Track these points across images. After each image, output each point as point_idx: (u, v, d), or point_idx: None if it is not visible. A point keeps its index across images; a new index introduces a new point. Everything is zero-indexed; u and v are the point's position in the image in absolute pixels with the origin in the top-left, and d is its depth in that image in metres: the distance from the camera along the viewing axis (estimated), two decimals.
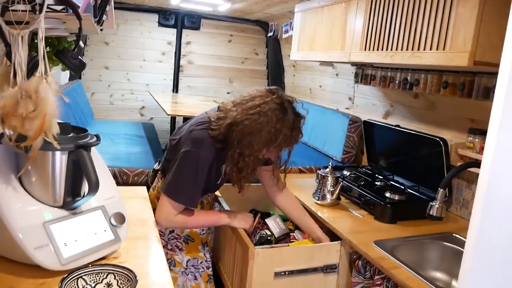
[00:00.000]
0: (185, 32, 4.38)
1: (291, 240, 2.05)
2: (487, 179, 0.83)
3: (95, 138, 1.13)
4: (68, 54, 1.05)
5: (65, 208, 1.07)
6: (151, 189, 1.75)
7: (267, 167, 1.71)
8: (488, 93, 1.70)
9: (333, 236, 1.74)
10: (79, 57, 1.07)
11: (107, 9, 1.40)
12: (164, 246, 1.64)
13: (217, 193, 1.97)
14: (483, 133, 1.75)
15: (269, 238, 2.01)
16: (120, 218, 1.18)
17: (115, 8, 1.93)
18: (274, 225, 2.07)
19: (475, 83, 1.76)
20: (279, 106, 1.45)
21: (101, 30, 1.94)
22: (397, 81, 2.24)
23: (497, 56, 1.42)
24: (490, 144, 0.81)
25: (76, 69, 1.09)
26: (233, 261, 1.72)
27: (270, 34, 4.23)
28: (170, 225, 1.57)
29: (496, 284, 0.88)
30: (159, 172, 1.72)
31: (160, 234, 1.53)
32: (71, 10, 1.03)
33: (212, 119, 1.53)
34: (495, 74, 1.66)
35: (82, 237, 1.07)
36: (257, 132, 1.42)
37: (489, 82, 1.70)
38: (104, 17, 1.41)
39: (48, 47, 1.24)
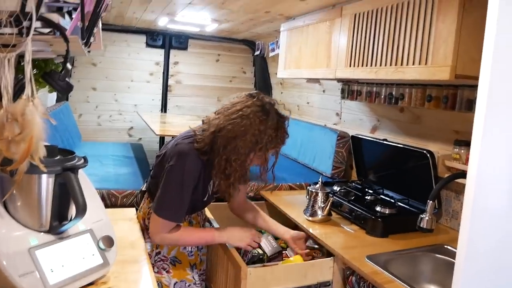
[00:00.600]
0: (172, 52, 4.41)
1: (283, 258, 2.03)
2: (473, 190, 0.84)
3: (82, 160, 1.12)
4: (55, 76, 1.05)
5: (51, 233, 1.05)
6: (138, 211, 1.74)
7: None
8: (471, 105, 1.73)
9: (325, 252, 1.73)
10: (66, 79, 1.07)
11: (94, 31, 1.41)
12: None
13: (208, 213, 1.96)
14: (468, 144, 1.77)
15: (261, 257, 1.99)
16: (109, 242, 1.16)
17: (102, 29, 1.94)
18: (266, 244, 2.05)
19: (458, 96, 1.79)
20: (260, 108, 1.47)
21: (89, 51, 1.95)
22: (382, 96, 2.28)
23: (477, 69, 1.45)
24: (474, 155, 0.83)
25: (63, 91, 1.08)
26: (226, 281, 1.70)
27: (257, 52, 4.28)
28: (163, 242, 1.57)
29: None
30: (146, 192, 1.71)
31: None
32: (58, 33, 1.03)
33: (197, 132, 1.54)
34: (476, 87, 1.69)
35: (69, 262, 1.05)
36: (242, 136, 1.43)
37: (471, 95, 1.73)
38: (92, 39, 1.42)
39: (35, 69, 1.24)
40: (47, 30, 1.01)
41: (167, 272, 1.64)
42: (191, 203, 1.54)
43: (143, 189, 1.76)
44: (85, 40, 1.29)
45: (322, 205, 1.97)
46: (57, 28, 1.03)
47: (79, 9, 1.15)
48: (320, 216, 1.97)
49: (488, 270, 0.88)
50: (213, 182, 1.59)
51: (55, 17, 1.06)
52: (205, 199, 1.64)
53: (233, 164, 1.45)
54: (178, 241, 1.56)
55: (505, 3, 0.76)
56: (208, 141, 1.47)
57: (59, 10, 1.14)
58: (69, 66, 1.09)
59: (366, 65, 1.87)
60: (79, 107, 4.14)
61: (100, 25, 1.67)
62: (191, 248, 1.69)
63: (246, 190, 1.84)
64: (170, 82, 4.47)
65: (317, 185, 2.05)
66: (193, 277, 1.69)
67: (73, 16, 1.21)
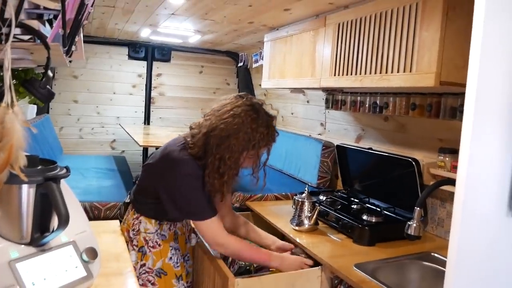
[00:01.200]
0: (155, 64, 4.39)
1: (270, 269, 2.00)
2: (463, 194, 0.84)
3: (64, 170, 1.09)
4: (35, 83, 1.02)
5: (33, 245, 1.01)
6: (122, 223, 1.70)
7: None
8: (454, 113, 1.75)
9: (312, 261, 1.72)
10: (48, 86, 1.04)
11: (76, 39, 1.39)
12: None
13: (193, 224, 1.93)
14: (452, 151, 1.79)
15: (248, 268, 1.96)
16: (92, 253, 1.13)
17: (84, 41, 1.92)
18: None
19: (442, 104, 1.82)
20: (250, 107, 1.50)
21: (70, 62, 1.91)
22: (367, 105, 2.29)
23: (461, 76, 1.48)
24: (463, 160, 0.83)
25: (45, 99, 1.05)
26: None
27: (240, 64, 4.29)
28: (224, 248, 1.55)
29: None
30: (130, 204, 1.68)
31: None
32: (38, 40, 1.01)
33: (188, 139, 1.55)
34: (459, 95, 1.72)
35: (51, 275, 1.01)
36: (235, 134, 1.45)
37: (454, 102, 1.76)
38: (73, 47, 1.39)
39: (14, 80, 1.20)
40: (27, 37, 0.99)
41: (153, 284, 1.59)
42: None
43: (127, 201, 1.72)
44: (66, 48, 1.27)
45: (309, 214, 1.96)
46: (38, 35, 1.01)
47: (60, 16, 1.12)
48: (307, 226, 1.96)
49: (480, 275, 0.88)
50: (205, 183, 1.57)
51: (35, 23, 1.03)
52: None
53: (227, 162, 1.47)
54: (240, 251, 1.57)
55: (491, 9, 0.78)
56: (200, 144, 1.49)
57: (39, 18, 1.12)
58: (50, 73, 1.06)
59: (351, 74, 1.88)
60: (60, 120, 4.07)
61: (81, 34, 1.65)
62: (177, 259, 1.66)
63: (231, 200, 1.83)
64: (153, 94, 4.44)
65: (304, 195, 2.04)
66: None
67: (54, 24, 1.18)
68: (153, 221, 1.61)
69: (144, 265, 1.60)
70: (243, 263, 1.95)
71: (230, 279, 1.47)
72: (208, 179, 1.50)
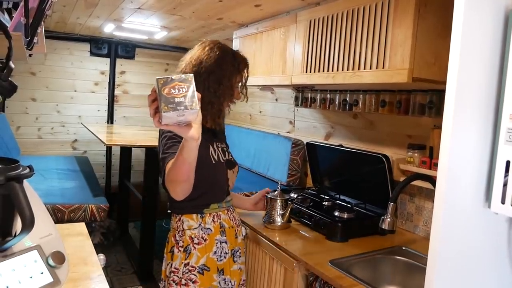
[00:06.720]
0: (119, 61, 4.26)
1: None
2: (443, 190, 0.84)
3: (28, 170, 1.01)
4: None
5: None
6: (168, 232, 1.67)
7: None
8: (423, 109, 1.79)
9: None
10: (9, 79, 0.96)
11: (38, 30, 1.30)
12: (178, 283, 1.54)
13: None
14: (421, 147, 1.83)
15: None
16: (60, 258, 1.06)
17: None
18: None
19: (411, 101, 1.85)
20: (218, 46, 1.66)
21: (30, 55, 1.81)
22: (336, 103, 2.31)
23: (432, 73, 1.51)
24: (444, 155, 0.83)
25: (6, 93, 0.98)
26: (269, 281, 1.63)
27: None
28: (168, 182, 1.35)
29: None
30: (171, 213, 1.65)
31: (174, 271, 1.55)
32: None
33: None
34: (428, 91, 1.75)
35: (15, 283, 0.93)
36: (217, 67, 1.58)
37: (423, 99, 1.79)
38: (35, 39, 1.31)
39: None
40: None
41: (194, 282, 1.55)
42: (199, 172, 1.33)
43: (168, 211, 1.67)
44: (29, 39, 1.19)
45: (281, 212, 1.95)
46: None
47: (22, 3, 1.05)
48: (279, 223, 1.94)
49: (459, 264, 0.89)
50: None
51: None
52: (214, 162, 1.60)
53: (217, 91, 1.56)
54: (171, 171, 1.31)
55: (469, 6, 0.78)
56: None
57: None
58: (12, 65, 0.98)
59: (323, 71, 1.88)
60: (16, 119, 3.87)
61: (43, 25, 1.56)
62: (221, 253, 1.61)
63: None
64: (116, 92, 4.31)
65: (276, 192, 2.02)
66: (218, 283, 1.59)
67: (13, 15, 1.10)
68: (194, 216, 1.58)
69: (187, 264, 1.56)
70: None
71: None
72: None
